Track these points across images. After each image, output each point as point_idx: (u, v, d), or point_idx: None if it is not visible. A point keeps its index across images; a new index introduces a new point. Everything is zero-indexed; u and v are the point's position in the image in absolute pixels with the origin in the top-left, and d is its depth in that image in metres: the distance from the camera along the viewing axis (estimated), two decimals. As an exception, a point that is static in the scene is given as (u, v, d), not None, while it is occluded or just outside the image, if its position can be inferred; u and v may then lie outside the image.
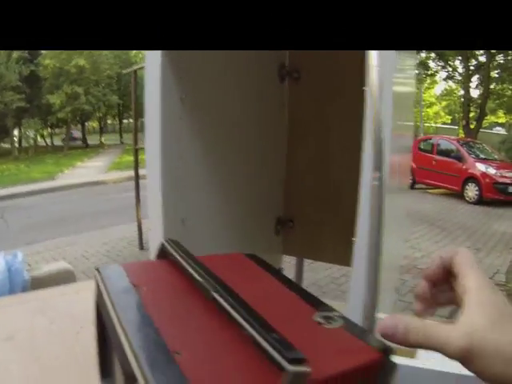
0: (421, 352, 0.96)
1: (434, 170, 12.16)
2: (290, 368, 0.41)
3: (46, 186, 13.26)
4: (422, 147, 13.20)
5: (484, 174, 10.89)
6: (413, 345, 0.48)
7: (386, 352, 0.50)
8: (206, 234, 1.33)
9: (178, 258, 0.64)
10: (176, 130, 1.16)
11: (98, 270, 0.65)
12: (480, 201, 10.73)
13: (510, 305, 0.48)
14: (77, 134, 28.68)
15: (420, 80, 24.68)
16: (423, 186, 12.67)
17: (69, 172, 16.67)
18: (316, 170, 0.92)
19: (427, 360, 0.86)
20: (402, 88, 1.22)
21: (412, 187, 12.77)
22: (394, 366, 0.51)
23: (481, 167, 11.14)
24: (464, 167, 11.44)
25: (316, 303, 0.59)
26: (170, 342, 0.48)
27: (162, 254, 0.70)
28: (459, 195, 11.30)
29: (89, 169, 17.31)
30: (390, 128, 0.83)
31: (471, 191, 11.04)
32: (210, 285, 0.56)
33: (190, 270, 0.60)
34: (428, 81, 26.33)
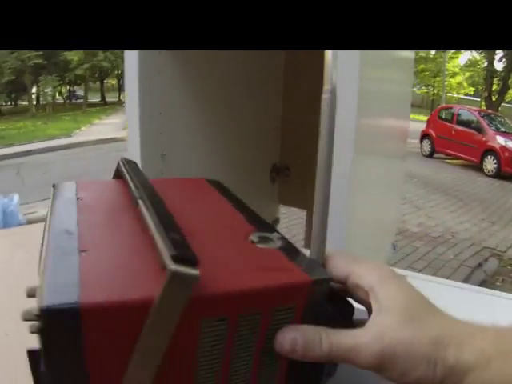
0: None
1: (454, 140, 12.01)
2: (171, 266, 0.36)
3: (63, 143, 13.32)
4: (443, 116, 13.03)
5: (503, 148, 10.71)
6: (319, 359, 0.43)
7: (322, 281, 0.44)
8: (188, 171, 1.28)
9: (126, 175, 0.62)
10: (152, 65, 1.14)
11: (53, 185, 0.65)
12: (498, 174, 10.58)
13: (417, 291, 0.44)
14: (80, 92, 28.57)
15: (444, 49, 24.36)
16: (442, 156, 12.54)
17: (86, 129, 16.70)
18: (314, 117, 0.89)
19: None
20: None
21: (431, 156, 12.69)
22: (330, 298, 0.45)
23: (500, 140, 10.95)
24: (483, 139, 11.27)
25: (261, 226, 0.53)
26: (82, 243, 0.45)
27: (118, 173, 0.69)
28: (478, 167, 11.17)
29: (106, 126, 17.32)
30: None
31: (490, 164, 10.90)
32: (139, 193, 0.53)
33: (132, 184, 0.58)
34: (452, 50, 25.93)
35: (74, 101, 26.14)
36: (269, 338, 0.43)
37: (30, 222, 2.09)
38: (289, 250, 0.49)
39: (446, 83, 25.57)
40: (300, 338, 0.42)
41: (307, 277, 0.43)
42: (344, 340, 0.42)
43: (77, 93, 28.16)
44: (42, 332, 0.35)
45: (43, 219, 1.73)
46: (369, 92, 0.93)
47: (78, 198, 0.59)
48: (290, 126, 1.82)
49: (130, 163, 0.67)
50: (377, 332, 0.41)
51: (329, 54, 0.48)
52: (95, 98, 27.55)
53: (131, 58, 1.07)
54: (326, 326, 0.43)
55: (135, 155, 1.09)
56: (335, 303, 0.46)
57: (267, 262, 0.46)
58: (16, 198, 2.03)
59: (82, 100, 25.76)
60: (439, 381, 0.39)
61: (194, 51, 1.23)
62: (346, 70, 0.79)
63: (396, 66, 1.44)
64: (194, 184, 0.72)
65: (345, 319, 0.46)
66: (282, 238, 0.50)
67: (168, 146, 1.19)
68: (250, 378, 0.44)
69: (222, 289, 0.40)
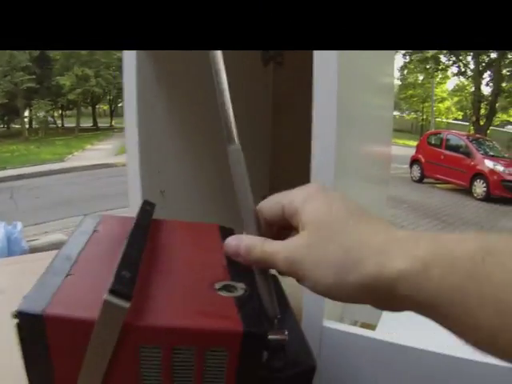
0: (381, 325, 0.99)
1: (443, 165, 12.12)
2: (106, 296, 0.44)
3: (56, 168, 13.32)
4: (431, 141, 13.17)
5: (492, 171, 10.83)
6: (255, 262, 0.48)
7: (254, 334, 0.48)
8: (187, 207, 1.37)
9: (141, 216, 0.68)
10: (151, 105, 1.19)
11: (84, 216, 0.73)
12: (488, 198, 10.68)
13: (346, 202, 0.45)
14: (50, 118, 28.30)
15: (431, 74, 24.61)
16: (432, 181, 12.64)
17: (79, 154, 16.70)
18: (301, 151, 0.93)
19: (387, 333, 0.89)
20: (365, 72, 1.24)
21: (421, 181, 12.79)
22: (257, 355, 0.48)
23: (489, 164, 11.07)
24: (472, 163, 11.39)
25: (236, 275, 0.57)
26: (73, 268, 0.54)
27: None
28: (467, 191, 11.26)
29: (99, 151, 17.30)
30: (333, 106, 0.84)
31: (479, 188, 11.00)
32: (129, 233, 0.58)
33: (132, 225, 0.63)
34: (440, 75, 26.21)
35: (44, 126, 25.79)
36: (206, 374, 0.49)
37: (32, 249, 2.15)
38: (245, 300, 0.52)
39: (434, 108, 25.79)
40: (243, 244, 0.48)
41: (240, 327, 0.47)
42: (272, 246, 0.46)
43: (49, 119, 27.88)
44: (16, 327, 0.46)
45: (46, 246, 1.82)
46: (347, 116, 0.96)
47: (94, 231, 0.67)
48: (278, 160, 1.89)
49: (147, 204, 0.73)
50: (287, 242, 0.45)
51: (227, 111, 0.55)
52: (87, 123, 27.55)
53: (130, 99, 1.13)
54: (267, 376, 0.49)
55: (136, 191, 1.15)
56: (286, 360, 0.50)
57: (213, 308, 0.51)
58: (20, 225, 2.10)
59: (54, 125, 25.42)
60: (360, 289, 0.40)
61: (189, 88, 1.31)
62: (324, 91, 0.85)
63: (376, 91, 1.49)
64: (202, 228, 0.76)
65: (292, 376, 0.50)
66: (247, 290, 0.54)
67: (166, 183, 1.26)
68: None
69: (157, 323, 0.47)
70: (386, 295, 0.39)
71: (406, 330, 0.94)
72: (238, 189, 0.52)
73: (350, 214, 0.44)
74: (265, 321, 0.49)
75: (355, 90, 1.07)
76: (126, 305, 0.44)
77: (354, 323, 1.09)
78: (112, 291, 0.44)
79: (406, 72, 27.71)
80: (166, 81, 1.22)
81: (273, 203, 0.50)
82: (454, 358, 0.81)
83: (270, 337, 0.48)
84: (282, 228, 0.50)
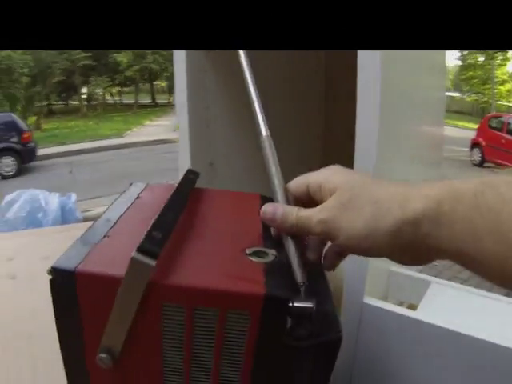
0: (422, 306, 0.98)
1: (503, 149, 11.74)
2: (133, 254, 0.45)
3: (115, 143, 13.63)
4: (492, 125, 12.75)
5: (553, 157, 10.46)
6: (289, 228, 0.52)
7: (276, 298, 0.48)
8: (235, 179, 1.39)
9: (183, 183, 0.70)
10: (201, 80, 1.23)
11: (130, 184, 0.76)
12: (549, 185, 10.30)
13: (361, 177, 0.51)
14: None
15: (491, 56, 23.77)
16: (492, 165, 12.27)
17: (137, 130, 16.98)
18: (352, 126, 0.93)
19: (427, 314, 0.88)
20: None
21: (481, 165, 12.43)
22: (280, 317, 0.48)
23: (550, 150, 10.69)
24: (533, 149, 11.02)
25: (269, 242, 0.58)
26: (111, 230, 0.57)
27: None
28: (527, 177, 10.89)
29: (157, 127, 17.46)
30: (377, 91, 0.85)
31: (539, 174, 10.62)
32: (168, 200, 0.60)
33: (180, 190, 0.66)
34: (500, 57, 25.27)
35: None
36: (227, 336, 0.49)
37: (86, 220, 2.21)
38: (274, 266, 0.53)
39: (495, 91, 24.94)
40: (279, 211, 0.53)
41: (262, 290, 0.48)
42: (306, 211, 0.51)
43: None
44: (50, 283, 0.49)
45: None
46: (394, 97, 0.96)
47: (137, 197, 0.70)
48: (330, 136, 1.88)
49: (191, 173, 0.76)
50: (320, 206, 0.50)
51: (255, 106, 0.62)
52: (145, 100, 27.82)
53: (180, 78, 1.15)
54: (290, 344, 0.48)
55: (185, 163, 1.18)
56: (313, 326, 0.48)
57: (239, 272, 0.51)
58: (74, 196, 2.17)
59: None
60: (388, 236, 0.45)
61: (238, 63, 1.33)
62: (367, 74, 0.86)
63: (426, 70, 1.46)
64: (244, 197, 0.77)
65: (316, 344, 0.49)
66: (277, 256, 0.55)
67: (215, 156, 1.29)
68: (210, 368, 0.51)
69: (180, 282, 0.49)
70: (411, 237, 0.44)
71: (445, 312, 0.94)
72: (270, 170, 0.58)
73: (372, 180, 0.50)
74: (290, 287, 0.49)
75: (401, 71, 1.06)
76: (152, 263, 0.46)
77: (400, 304, 1.09)
78: (140, 249, 0.46)
79: (465, 53, 26.81)
80: (214, 56, 1.24)
81: (299, 183, 0.56)
82: (494, 344, 0.81)
83: (295, 304, 0.48)
84: (308, 206, 0.53)
